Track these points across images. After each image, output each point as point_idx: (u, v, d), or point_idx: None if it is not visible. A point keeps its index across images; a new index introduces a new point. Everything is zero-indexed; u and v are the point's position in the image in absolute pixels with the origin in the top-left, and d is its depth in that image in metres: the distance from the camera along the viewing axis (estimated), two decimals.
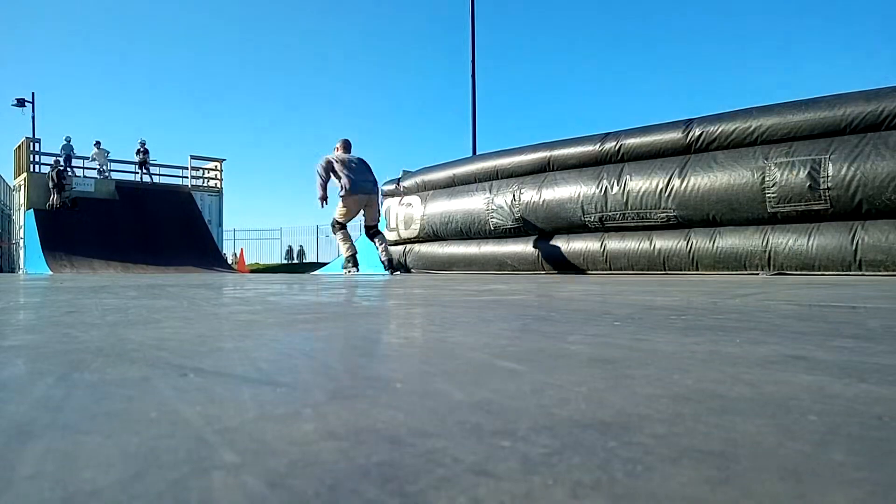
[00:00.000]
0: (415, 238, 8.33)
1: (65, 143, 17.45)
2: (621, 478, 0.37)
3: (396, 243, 8.72)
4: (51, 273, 12.18)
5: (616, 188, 5.89)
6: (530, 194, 6.67)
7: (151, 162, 18.62)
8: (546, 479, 0.37)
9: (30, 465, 0.40)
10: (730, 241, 5.25)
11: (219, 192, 19.68)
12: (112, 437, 0.46)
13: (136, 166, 18.45)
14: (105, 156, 17.83)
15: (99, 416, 0.53)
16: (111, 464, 0.40)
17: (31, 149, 16.78)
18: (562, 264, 6.41)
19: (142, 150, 18.34)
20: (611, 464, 0.39)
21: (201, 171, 20.04)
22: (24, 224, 16.36)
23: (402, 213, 8.46)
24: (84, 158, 17.81)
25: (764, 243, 5.04)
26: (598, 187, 6.04)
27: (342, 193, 6.83)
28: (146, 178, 18.54)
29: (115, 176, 17.96)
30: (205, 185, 19.84)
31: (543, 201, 6.53)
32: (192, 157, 19.49)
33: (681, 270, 5.56)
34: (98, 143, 17.89)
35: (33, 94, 20.85)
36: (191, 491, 0.35)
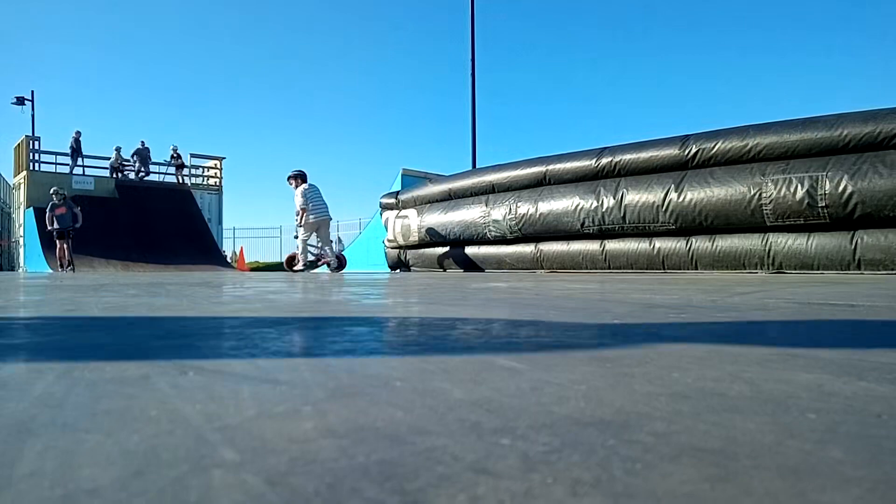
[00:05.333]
0: (415, 245, 8.39)
1: (116, 151, 17.68)
2: (621, 476, 0.37)
3: (397, 248, 8.79)
4: (51, 271, 12.17)
5: (612, 203, 5.86)
6: (527, 208, 6.63)
7: (161, 161, 18.86)
8: (546, 477, 0.37)
9: (29, 463, 0.40)
10: (729, 241, 5.26)
11: (219, 191, 19.69)
12: (112, 435, 0.46)
13: (175, 170, 18.76)
14: (145, 156, 18.01)
15: (99, 414, 0.53)
16: (111, 462, 0.40)
17: (31, 147, 16.76)
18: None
19: (175, 154, 18.70)
20: (610, 462, 0.39)
21: (201, 169, 20.04)
22: (23, 222, 16.35)
23: (398, 225, 8.52)
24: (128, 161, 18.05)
25: (763, 243, 5.04)
26: (595, 201, 6.01)
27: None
28: (184, 181, 18.85)
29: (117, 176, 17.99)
30: (204, 183, 19.84)
31: (540, 215, 6.49)
32: (192, 156, 19.49)
33: (679, 269, 5.56)
34: (143, 143, 18.11)
35: (33, 92, 20.81)
36: (191, 489, 0.35)
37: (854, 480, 0.36)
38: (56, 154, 17.24)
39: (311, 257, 8.68)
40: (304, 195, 8.33)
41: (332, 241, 9.02)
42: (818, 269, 4.75)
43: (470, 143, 13.69)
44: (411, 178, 9.73)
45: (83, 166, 17.64)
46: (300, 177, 8.48)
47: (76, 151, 17.30)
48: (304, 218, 8.34)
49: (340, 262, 8.88)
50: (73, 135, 17.36)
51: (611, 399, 0.57)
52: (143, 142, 18.08)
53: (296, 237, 8.67)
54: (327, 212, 8.56)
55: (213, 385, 0.65)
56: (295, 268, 8.65)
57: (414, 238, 8.23)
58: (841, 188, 4.51)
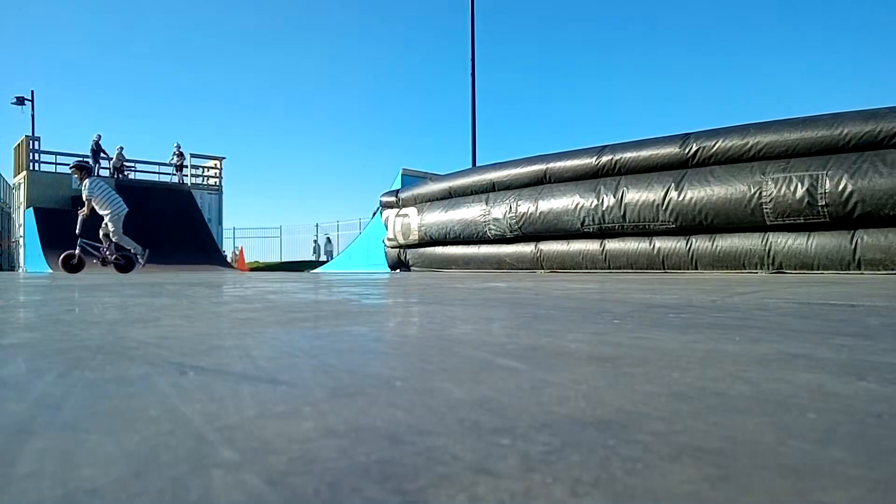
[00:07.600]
0: (415, 245, 8.38)
1: (118, 151, 17.77)
2: (621, 476, 0.37)
3: (397, 247, 8.79)
4: (51, 271, 12.17)
5: (613, 201, 5.86)
6: (527, 206, 6.63)
7: (165, 162, 18.92)
8: (546, 476, 0.37)
9: (29, 462, 0.40)
10: (729, 241, 5.25)
11: (219, 191, 19.68)
12: (112, 435, 0.46)
13: (175, 170, 18.82)
14: (122, 159, 18.04)
15: (99, 414, 0.53)
16: (111, 462, 0.40)
17: (31, 147, 16.75)
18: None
19: (178, 152, 18.71)
20: (610, 462, 0.39)
21: (201, 169, 20.04)
22: (23, 222, 16.33)
23: (399, 224, 8.52)
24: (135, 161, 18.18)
25: (763, 243, 5.04)
26: (595, 200, 6.01)
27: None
28: (184, 181, 18.88)
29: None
30: (204, 183, 19.83)
31: (540, 213, 6.49)
32: (192, 156, 19.49)
33: (679, 269, 5.56)
34: (121, 148, 18.16)
35: (32, 92, 20.78)
36: (190, 489, 0.35)
37: (854, 480, 0.36)
38: (56, 154, 17.23)
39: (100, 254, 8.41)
40: (93, 188, 8.09)
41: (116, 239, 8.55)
42: (818, 269, 4.75)
43: (470, 142, 13.71)
44: (411, 178, 9.73)
45: (107, 168, 17.68)
46: (86, 169, 8.28)
47: (97, 154, 17.34)
48: (107, 213, 8.11)
49: (128, 262, 8.50)
50: (94, 137, 17.41)
51: (611, 399, 0.57)
52: (121, 147, 18.08)
53: (78, 235, 8.40)
54: (124, 206, 8.35)
55: (213, 385, 0.64)
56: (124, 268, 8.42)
57: (414, 237, 8.24)
58: (841, 187, 4.51)
